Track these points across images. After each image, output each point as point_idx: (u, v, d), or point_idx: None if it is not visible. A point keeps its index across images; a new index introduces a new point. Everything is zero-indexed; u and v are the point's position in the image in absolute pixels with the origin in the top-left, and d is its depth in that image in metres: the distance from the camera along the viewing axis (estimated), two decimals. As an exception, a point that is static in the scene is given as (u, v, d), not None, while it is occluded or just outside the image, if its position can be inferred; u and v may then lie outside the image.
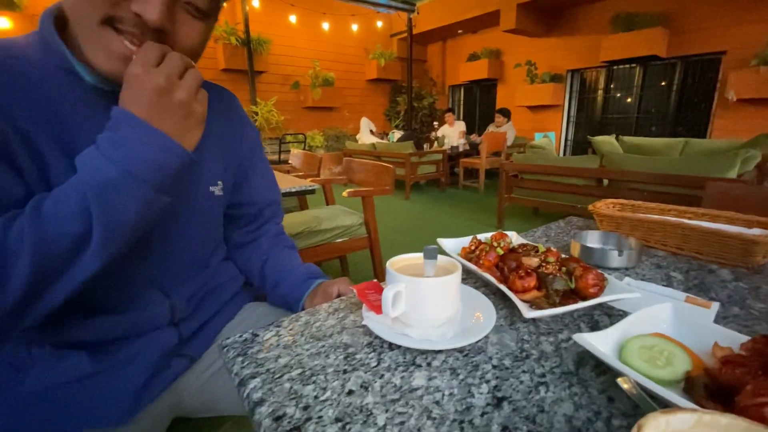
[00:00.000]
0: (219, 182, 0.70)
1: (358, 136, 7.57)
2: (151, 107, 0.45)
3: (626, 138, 5.20)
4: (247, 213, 0.80)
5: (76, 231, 0.43)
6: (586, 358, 0.46)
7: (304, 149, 6.72)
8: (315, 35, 7.85)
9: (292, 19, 7.49)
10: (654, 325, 0.48)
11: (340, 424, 0.36)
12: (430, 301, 0.50)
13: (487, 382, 0.42)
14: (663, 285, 0.68)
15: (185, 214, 0.64)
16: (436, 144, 6.82)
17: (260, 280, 0.80)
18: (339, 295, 0.70)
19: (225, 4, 0.56)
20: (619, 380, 0.38)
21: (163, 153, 0.46)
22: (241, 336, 0.52)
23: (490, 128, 6.70)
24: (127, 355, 0.60)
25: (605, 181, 3.34)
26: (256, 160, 0.79)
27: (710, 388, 0.38)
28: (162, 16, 0.46)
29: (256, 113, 7.02)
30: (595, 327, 0.54)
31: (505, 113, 6.50)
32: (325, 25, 7.89)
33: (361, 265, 2.76)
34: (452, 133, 6.80)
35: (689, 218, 0.88)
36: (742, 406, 0.33)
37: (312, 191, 2.03)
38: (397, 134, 7.22)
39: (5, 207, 0.45)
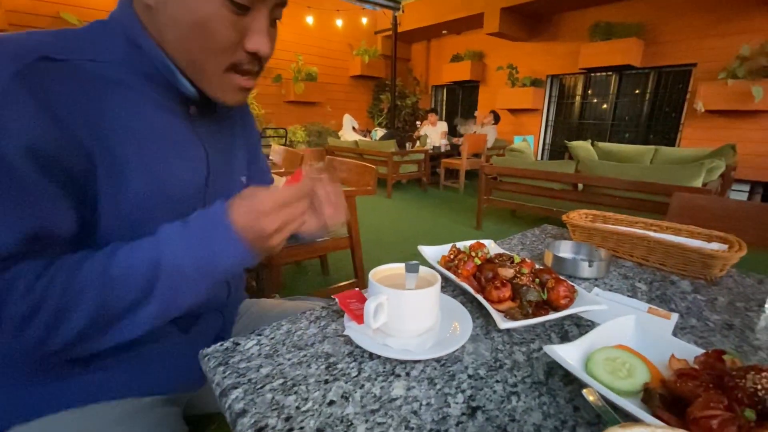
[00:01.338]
0: (246, 171, 0.76)
1: (340, 133, 7.54)
2: (250, 231, 0.49)
3: (601, 144, 5.38)
4: None
5: (136, 298, 0.46)
6: (556, 368, 0.49)
7: (285, 144, 6.65)
8: (299, 29, 7.74)
9: (276, 11, 7.37)
10: (618, 337, 0.52)
11: (321, 435, 0.37)
12: (410, 313, 0.51)
13: (463, 391, 0.44)
14: (629, 295, 0.72)
15: None
16: (418, 143, 6.86)
17: None
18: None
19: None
20: (585, 392, 0.41)
21: (240, 263, 0.50)
22: (221, 345, 0.53)
23: (474, 126, 6.78)
24: (197, 330, 0.65)
25: (580, 186, 3.45)
26: (258, 145, 0.85)
27: (666, 399, 0.41)
28: (271, 46, 0.54)
29: (237, 106, 6.87)
30: (565, 337, 0.57)
31: (496, 117, 6.59)
32: (309, 19, 7.79)
33: (341, 263, 2.77)
34: (434, 133, 6.86)
35: (655, 231, 0.93)
36: (692, 418, 0.36)
37: (293, 190, 2.01)
38: (380, 132, 7.23)
39: (54, 245, 0.46)
